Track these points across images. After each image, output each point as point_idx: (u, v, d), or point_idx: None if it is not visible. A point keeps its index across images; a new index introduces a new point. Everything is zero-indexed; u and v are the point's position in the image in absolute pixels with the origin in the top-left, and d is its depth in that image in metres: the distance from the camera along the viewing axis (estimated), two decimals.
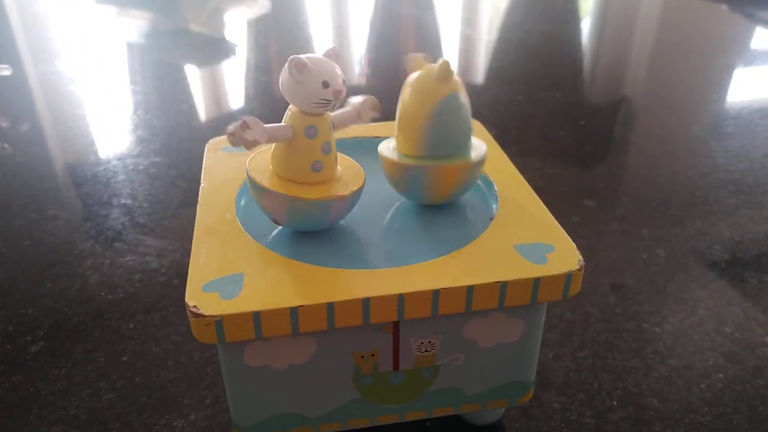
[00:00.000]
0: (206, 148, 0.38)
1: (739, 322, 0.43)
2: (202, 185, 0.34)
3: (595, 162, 0.65)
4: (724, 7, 1.30)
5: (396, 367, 0.30)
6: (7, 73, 0.79)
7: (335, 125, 0.30)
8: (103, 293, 0.45)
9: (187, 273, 0.47)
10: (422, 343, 0.29)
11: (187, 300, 0.26)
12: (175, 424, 0.35)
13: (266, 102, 0.82)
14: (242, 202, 0.33)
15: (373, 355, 0.29)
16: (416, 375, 0.30)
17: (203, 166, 0.36)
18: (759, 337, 0.41)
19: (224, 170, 0.35)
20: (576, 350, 0.40)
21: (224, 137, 0.39)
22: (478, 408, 0.32)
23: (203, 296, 0.26)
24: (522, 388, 0.32)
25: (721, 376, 0.38)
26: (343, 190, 0.29)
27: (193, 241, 0.29)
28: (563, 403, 0.37)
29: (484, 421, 0.35)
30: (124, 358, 0.40)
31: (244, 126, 0.27)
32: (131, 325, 0.42)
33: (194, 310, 0.25)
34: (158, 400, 0.37)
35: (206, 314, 0.25)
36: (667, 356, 0.40)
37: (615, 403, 0.37)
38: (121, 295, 0.45)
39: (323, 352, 0.28)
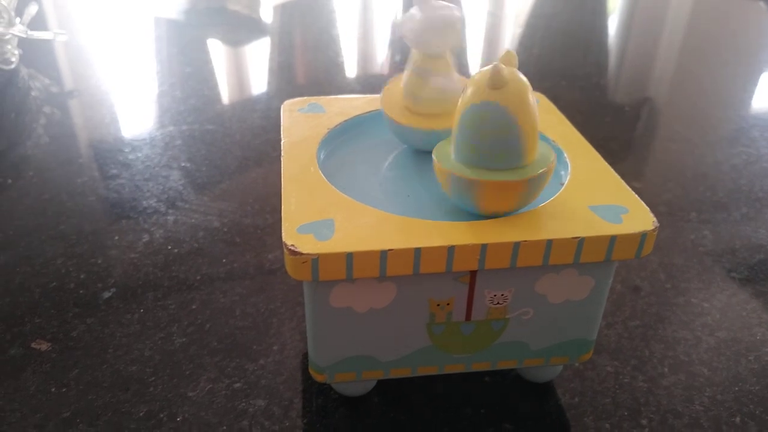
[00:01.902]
0: (282, 109, 0.39)
1: None
2: (283, 141, 0.35)
3: (640, 147, 0.66)
4: (762, 4, 1.29)
5: (468, 317, 0.31)
6: (63, 38, 0.81)
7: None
8: (169, 247, 0.47)
9: (248, 233, 0.49)
10: (495, 296, 0.31)
11: (284, 239, 0.27)
12: (246, 367, 0.37)
13: (309, 79, 0.84)
14: (322, 156, 0.35)
15: (448, 304, 0.31)
16: (486, 326, 0.32)
17: (282, 124, 0.37)
18: None
19: (301, 129, 0.37)
20: (627, 320, 0.42)
21: (298, 99, 0.41)
22: (540, 363, 0.34)
23: (299, 237, 0.28)
24: (584, 345, 0.33)
25: None
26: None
27: (282, 190, 0.31)
28: (616, 367, 0.38)
29: (542, 378, 0.36)
30: (194, 307, 0.42)
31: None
32: (198, 277, 0.44)
33: (292, 248, 0.27)
34: (228, 345, 0.39)
35: (303, 252, 0.27)
36: (715, 329, 0.41)
37: (666, 369, 0.38)
38: (187, 250, 0.47)
39: (403, 297, 0.30)
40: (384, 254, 0.27)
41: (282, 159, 0.34)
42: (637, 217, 0.29)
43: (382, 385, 0.36)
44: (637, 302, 0.43)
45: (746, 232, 0.51)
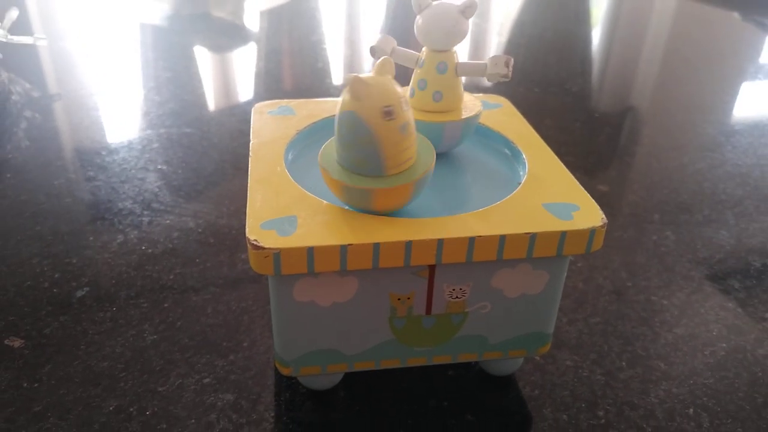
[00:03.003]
0: (253, 110, 0.41)
1: (742, 299, 0.45)
2: (252, 142, 0.37)
3: (608, 151, 0.68)
4: (736, 14, 1.33)
5: (429, 311, 0.32)
6: (44, 43, 0.82)
7: (459, 71, 0.36)
8: (143, 247, 0.48)
9: (222, 233, 0.50)
10: (454, 290, 0.32)
11: (248, 234, 0.28)
12: (216, 363, 0.38)
13: (288, 85, 0.85)
14: (290, 157, 0.36)
15: (409, 298, 0.32)
16: (446, 320, 0.33)
17: (251, 126, 0.39)
18: (760, 313, 0.44)
19: (271, 130, 0.38)
20: (588, 317, 0.43)
21: (269, 102, 0.42)
22: (499, 356, 0.35)
23: (262, 232, 0.29)
24: (541, 339, 0.35)
25: (724, 345, 0.41)
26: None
27: (248, 188, 0.32)
28: (576, 362, 0.39)
29: (503, 371, 0.37)
30: (166, 305, 0.43)
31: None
32: (171, 276, 0.45)
33: (255, 243, 0.28)
34: (199, 342, 0.40)
35: (266, 247, 0.28)
36: (673, 325, 0.43)
37: (624, 363, 0.39)
38: (161, 250, 0.48)
39: (364, 292, 0.31)
40: (344, 249, 0.28)
41: (250, 159, 0.35)
42: (587, 214, 0.31)
43: (349, 379, 0.37)
44: (598, 300, 0.44)
45: (707, 233, 0.53)
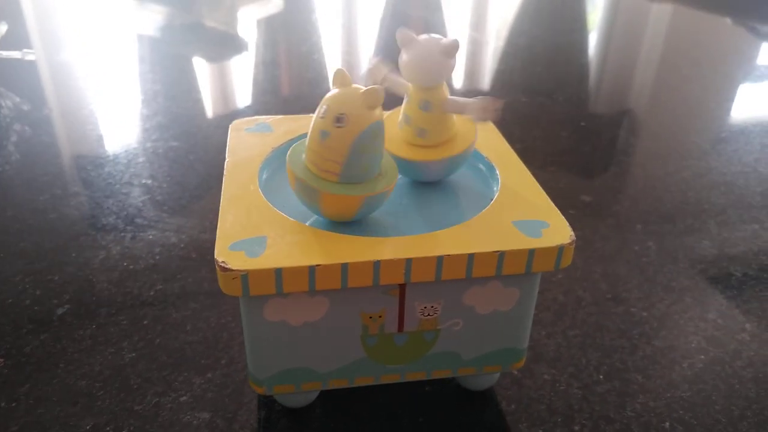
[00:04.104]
0: (230, 128, 0.41)
1: (722, 310, 0.45)
2: (227, 160, 0.37)
3: (594, 161, 0.68)
4: (728, 20, 1.33)
5: (401, 328, 0.32)
6: (32, 57, 0.82)
7: (447, 107, 0.34)
8: (125, 263, 0.48)
9: (204, 248, 0.50)
10: (425, 307, 0.32)
11: (216, 256, 0.29)
12: (194, 380, 0.38)
13: (279, 95, 0.86)
14: (264, 176, 0.36)
15: (380, 316, 0.32)
16: (418, 337, 0.33)
17: (228, 143, 0.39)
18: (740, 324, 0.44)
19: (246, 148, 0.38)
20: (567, 329, 0.43)
21: (246, 119, 0.42)
22: (473, 372, 0.35)
23: (230, 254, 0.29)
24: (515, 354, 0.35)
25: (703, 357, 0.41)
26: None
27: (220, 207, 0.32)
28: (553, 375, 0.39)
29: (479, 386, 0.37)
30: (145, 322, 0.43)
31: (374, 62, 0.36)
32: (152, 293, 0.45)
33: (223, 264, 0.28)
34: (177, 360, 0.40)
35: (234, 269, 0.28)
36: (652, 338, 0.43)
37: (601, 377, 0.39)
38: (142, 266, 0.48)
39: (335, 311, 0.31)
40: (312, 269, 0.29)
41: (224, 178, 0.35)
42: (556, 232, 0.31)
43: (325, 396, 0.37)
44: (577, 312, 0.45)
45: (690, 243, 0.53)
